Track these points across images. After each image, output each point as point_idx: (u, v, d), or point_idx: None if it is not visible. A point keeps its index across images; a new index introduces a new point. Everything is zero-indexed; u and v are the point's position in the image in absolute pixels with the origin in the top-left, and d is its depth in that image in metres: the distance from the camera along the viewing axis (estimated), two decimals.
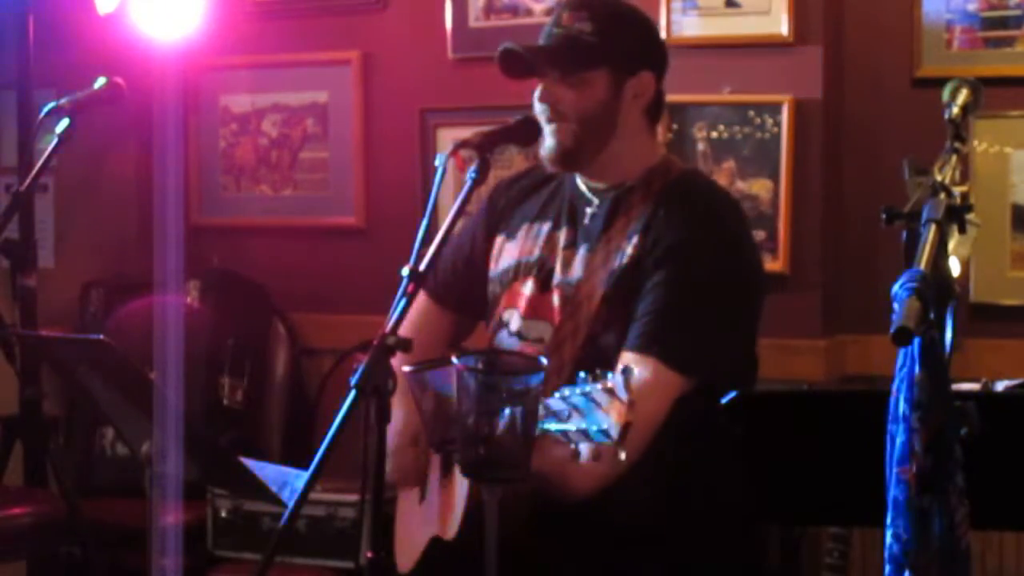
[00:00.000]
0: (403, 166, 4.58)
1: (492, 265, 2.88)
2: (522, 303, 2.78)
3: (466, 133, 2.58)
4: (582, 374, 2.14)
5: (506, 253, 2.86)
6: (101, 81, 3.38)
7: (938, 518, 1.75)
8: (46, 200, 4.86)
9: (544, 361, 2.15)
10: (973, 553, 1.80)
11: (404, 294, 2.31)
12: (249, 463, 2.67)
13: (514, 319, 2.78)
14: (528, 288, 2.78)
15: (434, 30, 4.50)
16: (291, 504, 2.21)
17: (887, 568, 1.77)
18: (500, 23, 4.43)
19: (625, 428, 2.04)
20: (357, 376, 2.17)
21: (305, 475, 2.19)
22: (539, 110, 2.72)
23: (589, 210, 2.77)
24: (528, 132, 2.71)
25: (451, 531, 2.56)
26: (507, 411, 2.07)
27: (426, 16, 4.52)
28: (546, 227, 2.82)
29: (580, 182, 2.80)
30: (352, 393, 2.18)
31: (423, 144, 4.54)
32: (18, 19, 4.34)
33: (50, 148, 3.29)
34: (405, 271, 2.33)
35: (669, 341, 2.56)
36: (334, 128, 4.71)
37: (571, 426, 2.13)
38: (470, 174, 2.49)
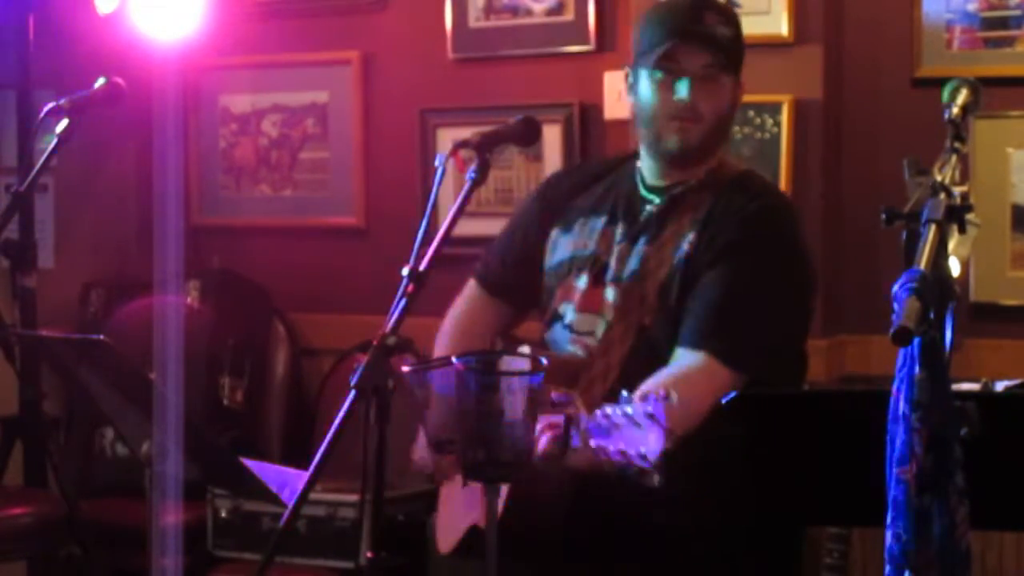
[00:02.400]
0: (403, 166, 4.58)
1: (547, 257, 2.90)
2: (576, 297, 2.81)
3: (466, 133, 2.58)
4: (624, 393, 2.17)
5: (561, 246, 2.88)
6: (101, 81, 3.37)
7: (938, 518, 1.75)
8: (46, 200, 4.86)
9: (544, 361, 2.15)
10: (973, 553, 1.80)
11: (404, 294, 2.31)
12: (249, 463, 2.67)
13: (568, 312, 2.81)
14: (582, 282, 2.81)
15: (434, 30, 4.50)
16: (291, 504, 2.21)
17: (887, 568, 1.77)
18: (500, 23, 4.43)
19: (662, 456, 2.06)
20: (357, 376, 2.17)
21: (305, 475, 2.19)
22: (670, 110, 2.69)
23: (648, 207, 2.79)
24: (528, 132, 2.71)
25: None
26: (507, 411, 2.07)
27: (426, 16, 4.52)
28: (601, 222, 2.84)
29: (640, 178, 2.82)
30: (352, 393, 2.18)
31: (423, 144, 4.54)
32: (18, 19, 4.34)
33: (50, 148, 3.29)
34: (405, 271, 2.33)
35: (723, 337, 2.60)
36: (334, 128, 4.71)
37: (610, 445, 2.15)
38: (470, 174, 2.49)
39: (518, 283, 2.96)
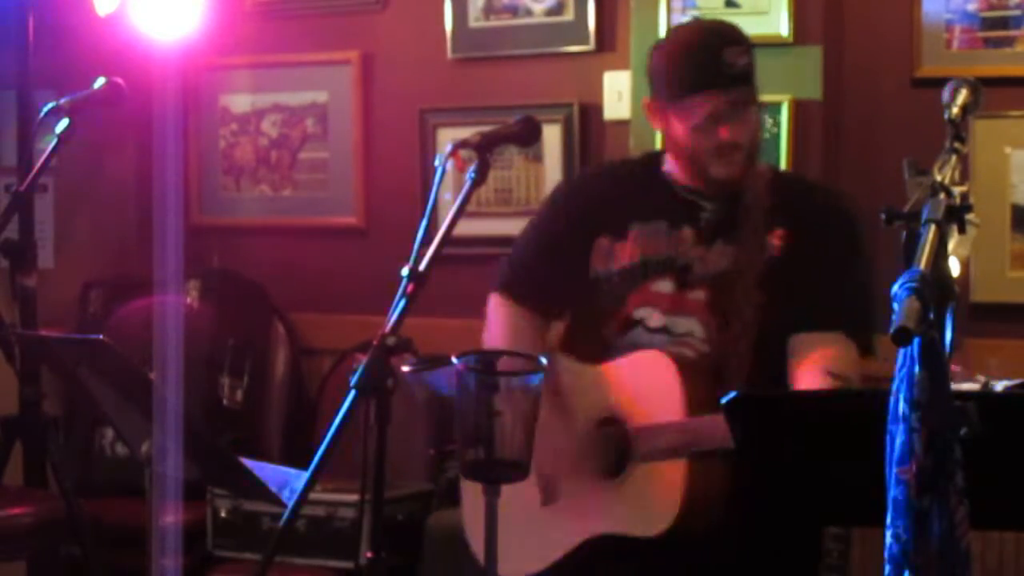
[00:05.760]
0: (403, 166, 4.58)
1: (600, 266, 2.92)
2: (662, 301, 2.84)
3: (466, 133, 2.59)
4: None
5: (622, 253, 2.90)
6: (101, 81, 3.38)
7: (938, 518, 1.75)
8: (46, 200, 4.86)
9: (544, 361, 2.15)
10: (973, 553, 1.80)
11: (404, 294, 2.31)
12: (249, 463, 2.67)
13: (653, 317, 2.85)
14: (665, 286, 2.85)
15: (434, 30, 4.50)
16: (291, 504, 2.21)
17: (887, 568, 1.77)
18: (500, 23, 4.43)
19: None
20: (357, 376, 2.18)
21: (305, 475, 2.19)
22: (712, 147, 2.79)
23: (704, 214, 2.87)
24: (528, 132, 2.71)
25: (658, 527, 2.64)
26: (507, 411, 2.07)
27: (426, 16, 4.52)
28: (662, 226, 2.89)
29: (676, 184, 2.90)
30: (352, 393, 2.18)
31: (423, 144, 4.54)
32: (18, 19, 4.33)
33: (50, 148, 3.29)
34: (405, 271, 2.33)
35: (854, 316, 2.78)
36: (334, 128, 4.71)
37: None
38: (470, 174, 2.50)
39: (553, 293, 2.99)
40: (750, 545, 2.70)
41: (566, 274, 2.95)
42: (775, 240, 2.81)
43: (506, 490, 2.80)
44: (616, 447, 2.73)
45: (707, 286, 2.82)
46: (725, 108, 2.76)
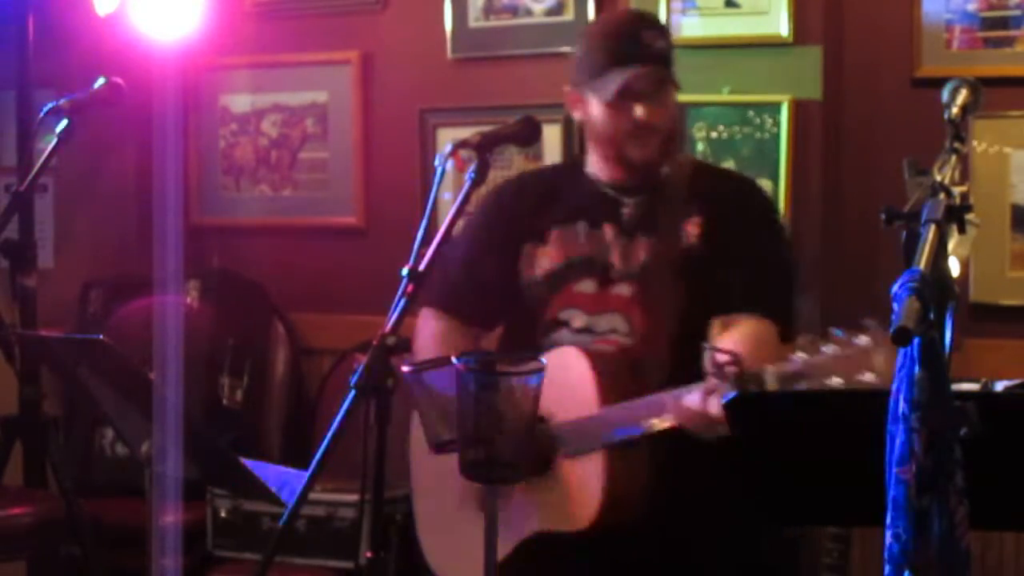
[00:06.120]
0: (403, 166, 4.58)
1: (527, 272, 2.94)
2: (584, 301, 2.86)
3: (466, 133, 2.59)
4: (838, 332, 2.38)
5: (545, 257, 2.92)
6: (101, 81, 3.38)
7: (938, 518, 1.75)
8: (46, 200, 4.86)
9: (544, 361, 2.15)
10: (973, 553, 1.80)
11: (404, 294, 2.31)
12: (249, 463, 2.67)
13: (577, 317, 2.86)
14: (588, 286, 2.87)
15: (433, 30, 4.50)
16: (291, 504, 2.21)
17: (887, 568, 1.77)
18: (500, 23, 4.43)
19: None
20: (357, 376, 2.18)
21: (305, 475, 2.20)
22: (628, 128, 2.81)
23: (624, 209, 2.88)
24: (528, 132, 2.72)
25: (582, 522, 2.67)
26: (507, 411, 2.07)
27: (426, 16, 4.52)
28: (582, 226, 2.90)
29: (599, 181, 2.91)
30: (352, 393, 2.18)
31: (423, 144, 4.54)
32: (18, 19, 4.33)
33: (50, 148, 3.29)
34: (405, 271, 2.33)
35: (770, 296, 2.80)
36: (334, 128, 4.71)
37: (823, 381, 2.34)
38: (469, 174, 2.50)
39: (486, 304, 3.00)
40: (678, 537, 2.74)
41: (494, 284, 2.97)
42: (691, 228, 2.83)
43: (450, 497, 2.84)
44: (540, 446, 2.73)
45: (629, 281, 2.84)
46: (640, 85, 2.78)
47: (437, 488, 2.92)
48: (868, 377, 2.28)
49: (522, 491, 2.76)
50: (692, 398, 2.53)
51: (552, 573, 2.83)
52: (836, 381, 2.32)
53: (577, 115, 2.92)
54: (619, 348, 2.81)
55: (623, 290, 2.84)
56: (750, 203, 2.92)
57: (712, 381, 2.48)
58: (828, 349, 2.35)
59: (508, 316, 3.00)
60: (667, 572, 2.81)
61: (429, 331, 3.00)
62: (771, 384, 2.40)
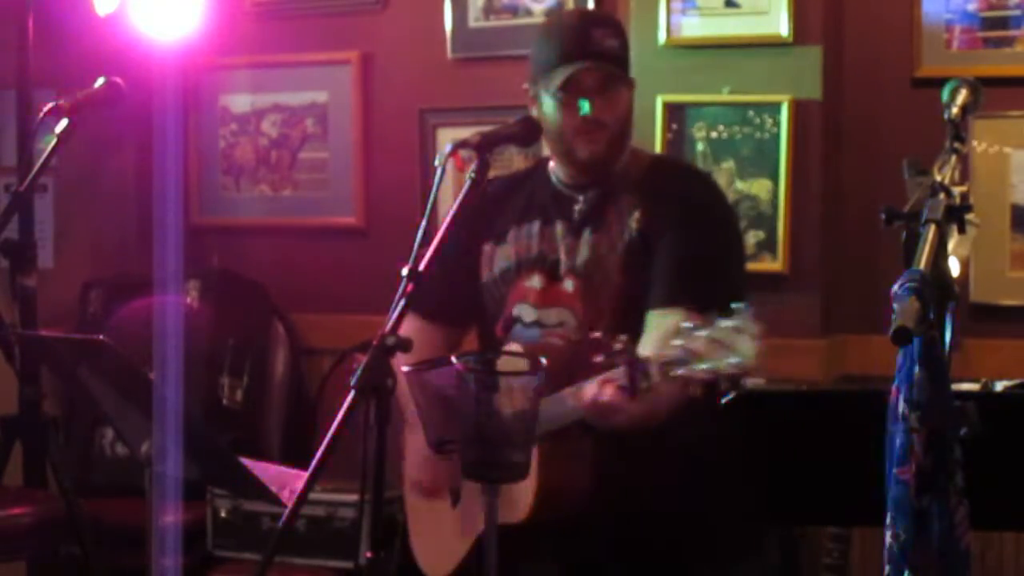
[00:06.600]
0: (403, 166, 4.58)
1: (485, 272, 2.98)
2: (533, 296, 2.89)
3: (466, 133, 2.59)
4: (686, 325, 2.35)
5: (500, 257, 2.96)
6: (101, 81, 3.37)
7: (938, 518, 1.75)
8: (46, 200, 4.86)
9: (544, 361, 2.15)
10: (973, 553, 1.80)
11: (404, 294, 2.31)
12: (249, 463, 2.67)
13: (526, 312, 2.89)
14: (535, 281, 2.90)
15: (433, 30, 4.50)
16: (291, 504, 2.21)
17: (887, 568, 1.77)
18: (500, 23, 4.43)
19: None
20: (357, 376, 2.18)
21: (305, 475, 2.19)
22: (576, 125, 2.81)
23: (576, 206, 2.89)
24: (528, 132, 2.72)
25: (520, 513, 2.67)
26: (507, 411, 2.07)
27: (426, 16, 4.52)
28: (536, 225, 2.93)
29: (556, 179, 2.94)
30: (352, 393, 2.18)
31: (423, 144, 4.54)
32: (18, 19, 4.33)
33: (50, 148, 3.29)
34: (405, 271, 2.33)
35: (692, 291, 2.72)
36: (334, 128, 4.71)
37: (696, 369, 2.30)
38: (469, 174, 2.50)
39: (457, 304, 3.02)
40: (629, 529, 2.74)
41: (460, 285, 2.99)
42: (635, 223, 2.84)
43: (425, 493, 2.85)
44: None
45: (575, 276, 2.86)
46: (587, 81, 2.78)
47: (415, 486, 2.95)
48: (733, 360, 2.26)
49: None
50: (590, 388, 2.53)
51: (507, 565, 2.83)
52: (705, 366, 2.30)
53: (535, 113, 2.92)
54: (567, 342, 2.82)
55: (569, 285, 2.86)
56: (689, 195, 2.88)
57: (608, 372, 2.49)
58: (702, 333, 2.32)
59: (477, 316, 3.04)
60: (621, 564, 2.81)
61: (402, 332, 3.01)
62: (655, 372, 2.39)
